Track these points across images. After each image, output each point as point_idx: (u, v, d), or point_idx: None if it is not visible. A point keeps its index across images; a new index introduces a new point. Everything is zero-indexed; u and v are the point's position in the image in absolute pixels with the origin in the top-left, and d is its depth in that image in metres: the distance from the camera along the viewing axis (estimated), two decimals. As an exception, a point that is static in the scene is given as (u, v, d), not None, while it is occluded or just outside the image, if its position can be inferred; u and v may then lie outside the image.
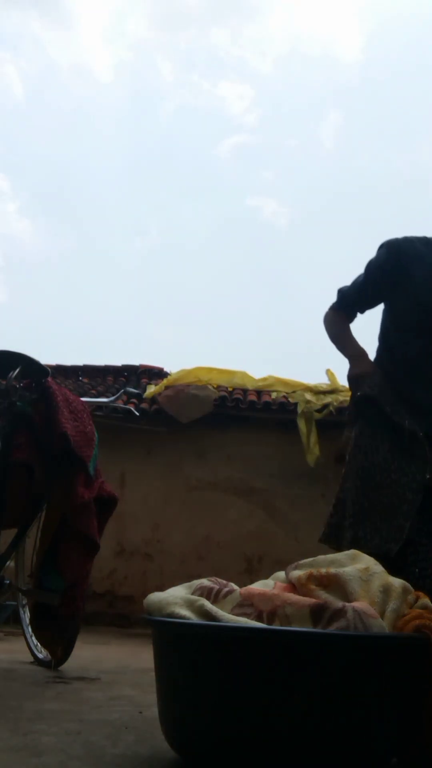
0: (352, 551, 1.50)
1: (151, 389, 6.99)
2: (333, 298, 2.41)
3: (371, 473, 2.07)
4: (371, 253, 2.36)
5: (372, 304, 2.35)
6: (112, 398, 3.43)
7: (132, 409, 3.98)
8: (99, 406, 3.46)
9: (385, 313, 2.32)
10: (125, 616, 6.43)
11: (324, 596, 1.35)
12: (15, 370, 2.46)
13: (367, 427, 2.14)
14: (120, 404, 3.71)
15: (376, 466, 2.07)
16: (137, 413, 4.66)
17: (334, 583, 1.38)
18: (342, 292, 2.37)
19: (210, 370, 7.01)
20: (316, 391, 6.80)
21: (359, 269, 2.36)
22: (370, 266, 2.29)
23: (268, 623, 1.29)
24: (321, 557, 1.50)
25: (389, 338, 2.27)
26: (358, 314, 2.39)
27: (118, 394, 3.52)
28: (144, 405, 6.74)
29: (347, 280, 2.40)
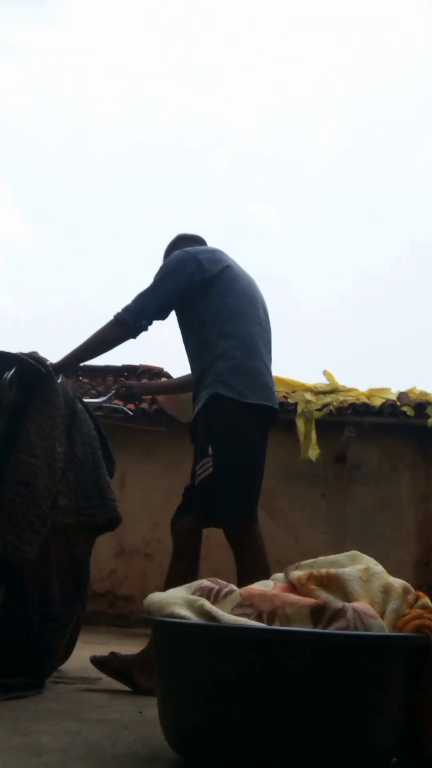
0: (352, 552, 1.50)
1: (151, 389, 6.97)
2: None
3: None
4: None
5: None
6: (103, 398, 3.40)
7: (125, 408, 3.95)
8: (99, 406, 3.45)
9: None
10: (125, 616, 6.42)
11: (324, 596, 1.35)
12: (10, 371, 2.46)
13: None
14: (116, 404, 3.68)
15: None
16: (131, 413, 4.64)
17: (334, 584, 1.38)
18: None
19: None
20: (316, 391, 6.80)
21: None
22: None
23: (268, 623, 1.29)
24: (321, 558, 1.50)
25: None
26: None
27: (110, 394, 3.48)
28: (144, 405, 6.73)
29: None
